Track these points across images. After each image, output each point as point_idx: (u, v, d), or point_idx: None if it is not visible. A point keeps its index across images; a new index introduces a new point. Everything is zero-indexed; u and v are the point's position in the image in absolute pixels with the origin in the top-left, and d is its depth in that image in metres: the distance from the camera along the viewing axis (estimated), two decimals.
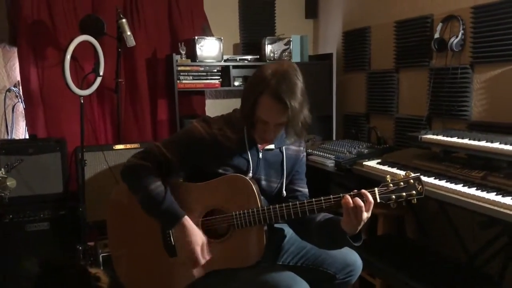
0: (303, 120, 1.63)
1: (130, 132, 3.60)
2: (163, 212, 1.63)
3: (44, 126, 3.31)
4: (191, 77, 3.53)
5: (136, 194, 1.68)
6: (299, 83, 1.59)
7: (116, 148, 3.20)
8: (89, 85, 2.99)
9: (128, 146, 3.23)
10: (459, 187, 1.99)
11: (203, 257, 1.65)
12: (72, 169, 3.13)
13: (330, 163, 2.91)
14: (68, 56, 2.76)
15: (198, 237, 1.65)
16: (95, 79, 3.01)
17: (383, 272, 2.25)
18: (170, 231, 1.71)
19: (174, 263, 1.72)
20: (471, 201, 1.89)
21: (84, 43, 2.92)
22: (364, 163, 2.61)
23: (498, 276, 2.19)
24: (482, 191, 1.90)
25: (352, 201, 1.50)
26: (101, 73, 3.01)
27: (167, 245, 1.72)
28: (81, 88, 2.92)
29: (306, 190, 1.88)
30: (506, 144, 2.00)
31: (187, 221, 1.64)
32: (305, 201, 1.62)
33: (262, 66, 1.67)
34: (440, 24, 2.76)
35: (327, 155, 3.02)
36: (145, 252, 1.76)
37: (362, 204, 1.49)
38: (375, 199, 1.55)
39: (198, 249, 1.64)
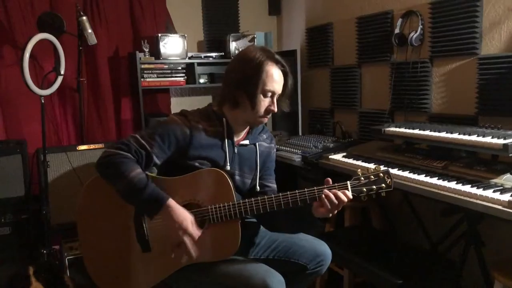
0: None
1: (94, 132, 3.52)
2: (147, 198, 1.58)
3: (2, 128, 3.20)
4: (155, 75, 3.49)
5: (115, 183, 1.62)
6: None
7: (79, 148, 3.13)
8: (49, 85, 2.91)
9: (92, 146, 3.17)
10: (422, 177, 2.05)
11: (195, 235, 1.61)
12: (34, 171, 3.04)
13: (297, 158, 2.95)
14: (26, 55, 2.67)
15: (186, 215, 1.61)
16: (56, 78, 2.93)
17: (351, 262, 2.30)
18: (144, 225, 1.66)
19: (148, 258, 1.69)
20: (433, 190, 1.95)
21: (43, 42, 2.83)
22: (330, 156, 2.65)
23: (460, 261, 2.27)
24: (444, 180, 1.97)
25: (335, 195, 1.60)
26: (62, 72, 2.93)
27: (141, 240, 1.68)
28: (41, 87, 2.83)
29: (275, 186, 1.92)
30: (465, 134, 2.08)
31: (173, 202, 1.60)
32: (280, 194, 1.64)
33: (241, 54, 1.77)
34: (400, 20, 2.84)
35: (294, 150, 3.06)
36: (117, 248, 1.72)
37: (344, 199, 1.59)
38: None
39: (190, 227, 1.60)
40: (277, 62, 1.72)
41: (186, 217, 1.61)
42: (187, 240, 1.60)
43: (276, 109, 1.75)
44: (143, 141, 1.65)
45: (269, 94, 1.71)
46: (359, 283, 2.62)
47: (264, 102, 1.72)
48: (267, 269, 1.63)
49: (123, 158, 1.61)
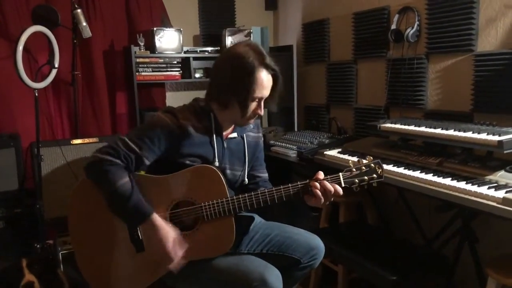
0: None
1: (88, 126, 3.50)
2: (130, 210, 1.57)
3: None
4: (150, 69, 3.47)
5: (100, 189, 1.62)
6: None
7: (74, 142, 3.10)
8: (43, 78, 2.88)
9: (87, 140, 3.15)
10: (417, 173, 2.06)
11: (176, 253, 1.60)
12: (28, 165, 3.02)
13: (293, 154, 2.95)
14: (20, 48, 2.64)
15: (168, 233, 1.60)
16: (50, 71, 2.90)
17: (345, 258, 2.30)
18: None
19: (143, 258, 1.68)
20: (428, 186, 1.96)
21: (37, 34, 2.80)
22: (325, 152, 2.65)
23: (454, 257, 2.28)
24: (438, 176, 1.98)
25: (327, 187, 1.60)
26: (56, 65, 2.90)
27: (134, 240, 1.67)
28: (35, 80, 2.80)
29: (266, 175, 1.95)
30: (460, 131, 2.08)
31: (156, 218, 1.59)
32: (274, 188, 1.65)
33: (233, 54, 1.68)
34: (397, 16, 2.83)
35: (290, 146, 3.06)
36: (111, 247, 1.71)
37: (339, 190, 1.61)
38: (339, 183, 1.63)
39: (169, 246, 1.59)
40: (267, 67, 1.67)
41: (167, 236, 1.59)
42: (165, 259, 1.60)
43: (262, 113, 1.74)
44: (132, 144, 1.62)
45: (257, 99, 1.70)
46: (354, 279, 2.62)
47: (252, 107, 1.70)
48: (264, 264, 1.64)
49: (110, 165, 1.59)
